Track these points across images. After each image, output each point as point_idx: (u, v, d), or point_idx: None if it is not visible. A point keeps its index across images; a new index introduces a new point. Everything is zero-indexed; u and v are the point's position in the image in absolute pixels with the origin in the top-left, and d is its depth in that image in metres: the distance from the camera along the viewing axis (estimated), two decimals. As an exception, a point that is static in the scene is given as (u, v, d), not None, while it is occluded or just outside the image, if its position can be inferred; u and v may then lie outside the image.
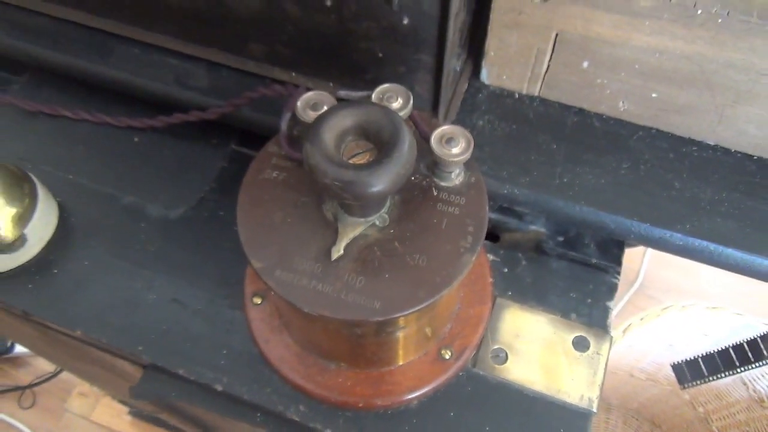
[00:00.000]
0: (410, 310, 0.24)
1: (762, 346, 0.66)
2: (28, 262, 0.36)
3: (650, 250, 1.43)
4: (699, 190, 0.33)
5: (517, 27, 0.33)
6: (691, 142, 0.35)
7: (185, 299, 0.35)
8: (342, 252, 0.25)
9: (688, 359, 0.76)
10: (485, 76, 0.36)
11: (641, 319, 0.94)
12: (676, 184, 0.34)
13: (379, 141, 0.23)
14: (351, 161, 0.23)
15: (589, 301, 0.35)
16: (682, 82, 0.32)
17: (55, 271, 0.36)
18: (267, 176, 0.27)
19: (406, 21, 0.29)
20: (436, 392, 0.32)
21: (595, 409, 0.32)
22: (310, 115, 0.26)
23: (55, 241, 0.36)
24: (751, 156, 0.34)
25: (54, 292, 0.35)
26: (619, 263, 0.36)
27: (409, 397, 0.31)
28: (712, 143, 0.35)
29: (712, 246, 0.32)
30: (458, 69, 0.34)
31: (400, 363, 0.31)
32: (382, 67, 0.32)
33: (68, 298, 0.35)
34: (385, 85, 0.26)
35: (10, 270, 0.35)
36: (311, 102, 0.26)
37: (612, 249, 0.36)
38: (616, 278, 0.35)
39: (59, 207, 0.37)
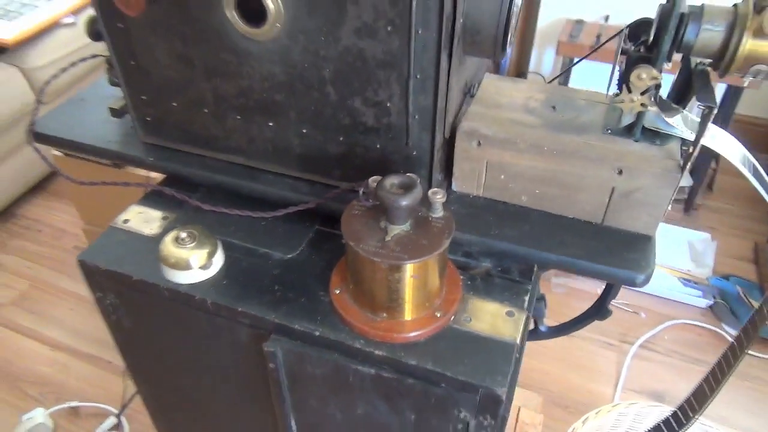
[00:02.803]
0: (422, 258, 0.54)
1: (681, 417, 0.92)
2: (211, 277, 0.65)
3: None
4: (565, 237, 0.65)
5: (468, 159, 0.67)
6: (560, 216, 0.68)
7: (296, 293, 0.64)
8: (390, 238, 0.56)
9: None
10: (454, 185, 0.70)
11: (596, 413, 1.18)
12: (555, 235, 0.66)
13: (406, 187, 0.56)
14: (395, 193, 0.55)
15: (515, 296, 0.64)
16: (549, 184, 0.66)
17: (225, 282, 0.65)
18: (352, 212, 0.59)
19: (414, 153, 0.64)
20: (434, 333, 0.60)
21: (518, 342, 0.59)
22: (372, 185, 0.58)
23: (223, 268, 0.67)
24: (591, 222, 0.67)
25: (226, 292, 0.64)
26: (530, 280, 0.66)
27: (419, 334, 0.59)
28: (571, 216, 0.68)
29: (570, 260, 0.63)
30: (440, 179, 0.68)
31: (414, 316, 0.60)
32: (402, 177, 0.66)
33: (249, 297, 0.64)
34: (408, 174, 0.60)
35: (202, 281, 0.65)
36: (374, 180, 0.59)
37: (527, 273, 0.67)
38: (528, 286, 0.65)
39: (225, 251, 0.68)
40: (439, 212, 0.58)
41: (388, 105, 0.61)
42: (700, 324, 1.85)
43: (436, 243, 0.56)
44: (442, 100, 0.60)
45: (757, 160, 0.65)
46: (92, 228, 1.78)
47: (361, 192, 0.60)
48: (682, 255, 2.02)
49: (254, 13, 0.59)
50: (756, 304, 1.94)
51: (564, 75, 1.96)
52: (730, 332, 1.81)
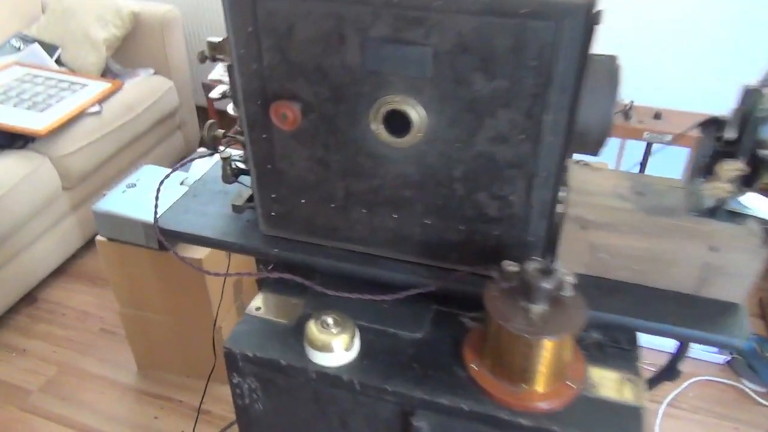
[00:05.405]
0: (566, 333, 0.62)
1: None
2: (353, 358, 0.72)
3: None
4: (663, 307, 0.74)
5: (573, 241, 0.76)
6: (655, 288, 0.76)
7: (434, 370, 0.70)
8: (534, 317, 0.63)
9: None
10: (557, 264, 0.79)
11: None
12: (654, 305, 0.74)
13: (546, 271, 0.64)
14: (538, 276, 0.63)
15: (628, 363, 0.72)
16: (646, 261, 0.75)
17: (366, 362, 0.72)
18: (492, 294, 0.67)
19: (530, 238, 0.73)
20: (571, 402, 0.67)
21: (641, 405, 0.66)
22: (511, 270, 0.66)
23: (361, 349, 0.73)
24: (683, 293, 0.76)
25: (370, 371, 0.70)
26: (635, 346, 0.74)
27: (558, 403, 0.66)
28: (664, 288, 0.76)
29: (671, 327, 0.71)
30: (551, 261, 0.77)
31: (550, 386, 0.67)
32: (521, 258, 0.74)
33: (392, 375, 0.70)
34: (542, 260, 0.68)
35: (346, 363, 0.71)
36: (512, 265, 0.67)
37: (633, 341, 0.75)
38: (637, 353, 0.73)
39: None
40: (570, 292, 0.66)
41: (511, 198, 0.70)
42: (720, 380, 1.93)
43: (574, 320, 0.64)
44: (560, 193, 0.69)
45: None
46: (129, 311, 1.81)
47: (497, 275, 0.68)
48: (695, 312, 2.12)
49: (397, 125, 0.68)
50: (772, 357, 2.00)
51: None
52: (749, 386, 1.89)
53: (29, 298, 2.22)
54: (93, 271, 2.34)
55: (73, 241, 2.31)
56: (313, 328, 0.71)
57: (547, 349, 0.64)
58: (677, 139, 1.95)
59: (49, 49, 2.52)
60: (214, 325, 1.53)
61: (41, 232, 2.14)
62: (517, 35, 0.59)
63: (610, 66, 0.69)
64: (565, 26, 0.58)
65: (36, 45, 2.51)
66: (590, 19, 0.57)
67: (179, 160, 2.68)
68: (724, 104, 0.77)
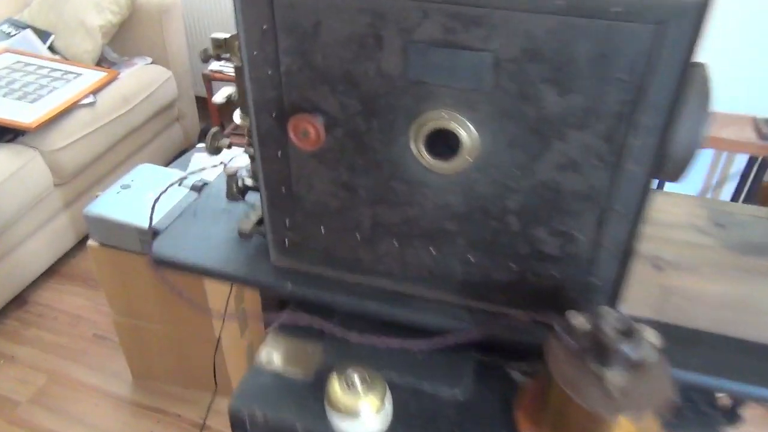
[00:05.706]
0: (651, 410, 0.50)
1: None
2: (384, 424, 0.60)
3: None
4: (753, 364, 0.62)
5: (643, 283, 0.64)
6: (741, 340, 0.64)
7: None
8: (612, 387, 0.52)
9: None
10: (622, 308, 0.67)
11: None
12: (742, 362, 0.62)
13: (627, 331, 0.52)
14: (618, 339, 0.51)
15: (709, 430, 0.60)
16: (731, 307, 0.63)
17: (398, 431, 0.60)
18: (554, 353, 0.55)
19: (596, 282, 0.61)
20: (646, 485, 0.55)
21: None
22: (581, 325, 0.55)
23: (393, 412, 0.61)
24: (760, 342, 0.64)
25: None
26: (715, 407, 0.62)
27: (633, 487, 0.54)
28: (752, 340, 0.64)
29: (755, 389, 0.59)
30: (614, 305, 0.65)
31: (624, 467, 0.55)
32: (583, 303, 0.63)
33: None
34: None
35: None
36: (582, 319, 0.55)
37: (713, 402, 0.63)
38: (717, 416, 0.62)
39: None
40: (653, 356, 0.54)
41: (576, 235, 0.58)
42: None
43: (660, 392, 0.52)
44: (639, 231, 0.57)
45: None
46: (124, 319, 1.69)
47: (558, 328, 0.56)
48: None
49: (442, 147, 0.56)
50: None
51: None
52: (780, 404, 1.79)
53: (19, 300, 2.10)
54: (86, 271, 2.23)
55: (65, 240, 2.19)
56: (336, 387, 0.60)
57: (626, 429, 0.52)
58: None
59: (42, 35, 2.39)
60: (217, 346, 1.41)
61: (32, 231, 2.03)
62: (603, 40, 0.47)
63: (700, 77, 0.57)
64: (669, 30, 0.45)
65: (28, 31, 2.37)
66: (700, 23, 0.45)
67: (178, 155, 2.56)
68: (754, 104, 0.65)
